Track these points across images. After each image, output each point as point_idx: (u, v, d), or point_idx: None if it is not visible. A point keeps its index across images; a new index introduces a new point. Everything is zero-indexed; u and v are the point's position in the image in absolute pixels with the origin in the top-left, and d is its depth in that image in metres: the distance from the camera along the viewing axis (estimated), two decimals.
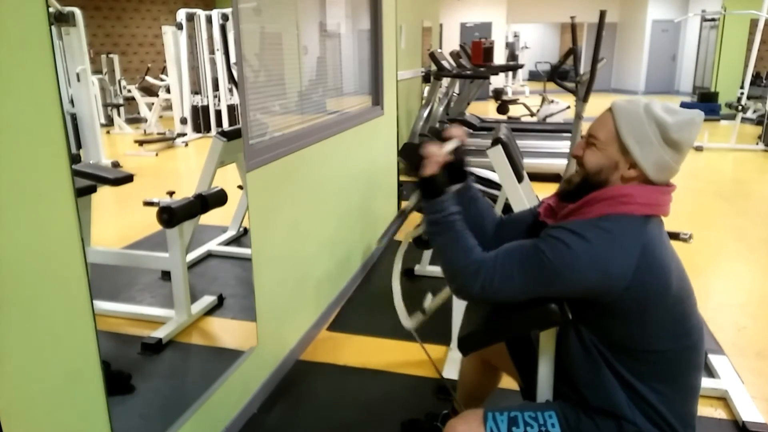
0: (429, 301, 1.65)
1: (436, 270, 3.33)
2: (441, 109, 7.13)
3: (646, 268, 1.16)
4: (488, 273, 1.24)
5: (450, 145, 1.46)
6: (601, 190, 1.24)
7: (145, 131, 4.28)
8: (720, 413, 2.23)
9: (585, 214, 1.24)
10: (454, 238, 1.32)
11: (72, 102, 2.44)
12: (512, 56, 15.33)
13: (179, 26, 3.71)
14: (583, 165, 1.29)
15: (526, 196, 2.63)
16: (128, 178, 2.47)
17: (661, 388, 1.22)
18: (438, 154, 1.39)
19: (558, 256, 1.18)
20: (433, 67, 6.72)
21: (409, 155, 1.42)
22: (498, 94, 11.19)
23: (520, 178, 2.68)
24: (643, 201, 1.22)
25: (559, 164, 5.57)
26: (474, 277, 1.25)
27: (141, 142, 4.07)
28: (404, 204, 1.48)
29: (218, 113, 4.14)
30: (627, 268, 1.15)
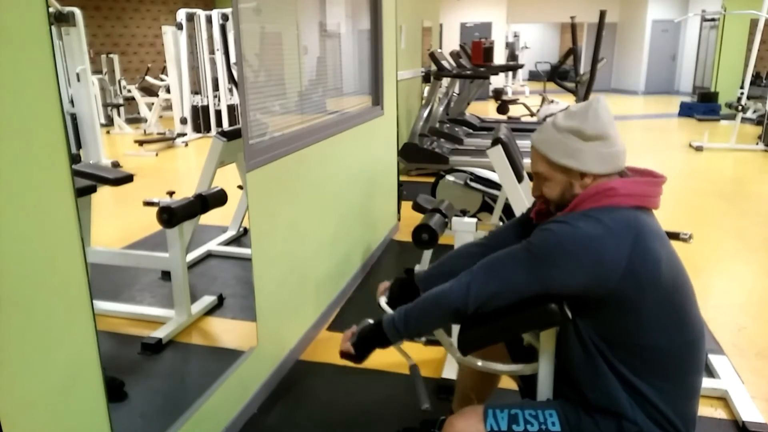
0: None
1: None
2: (441, 109, 7.13)
3: (638, 255, 1.17)
4: (478, 281, 1.26)
5: (382, 300, 1.57)
6: (583, 191, 1.27)
7: (145, 131, 4.28)
8: (720, 413, 2.23)
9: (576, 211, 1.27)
10: (423, 308, 1.34)
11: (72, 102, 2.44)
12: (512, 56, 15.33)
13: (179, 26, 3.71)
14: (547, 198, 1.35)
15: (525, 196, 2.63)
16: (128, 178, 2.47)
17: (661, 386, 1.22)
18: (343, 341, 1.44)
19: (547, 244, 1.20)
20: (433, 67, 6.72)
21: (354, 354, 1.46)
22: (498, 94, 11.20)
23: (520, 178, 2.69)
24: (628, 192, 1.24)
25: None
26: (466, 295, 1.27)
27: (141, 142, 4.07)
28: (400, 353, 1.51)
29: (218, 113, 4.14)
30: (620, 254, 1.16)
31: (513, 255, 1.25)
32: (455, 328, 2.49)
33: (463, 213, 2.41)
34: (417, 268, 3.51)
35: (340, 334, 2.96)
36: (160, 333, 2.43)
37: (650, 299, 1.19)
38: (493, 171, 2.78)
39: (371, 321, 1.43)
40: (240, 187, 2.33)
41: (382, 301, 1.59)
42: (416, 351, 2.65)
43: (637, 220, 1.21)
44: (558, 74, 6.18)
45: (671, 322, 1.22)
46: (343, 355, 1.43)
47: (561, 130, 1.29)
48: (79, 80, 2.39)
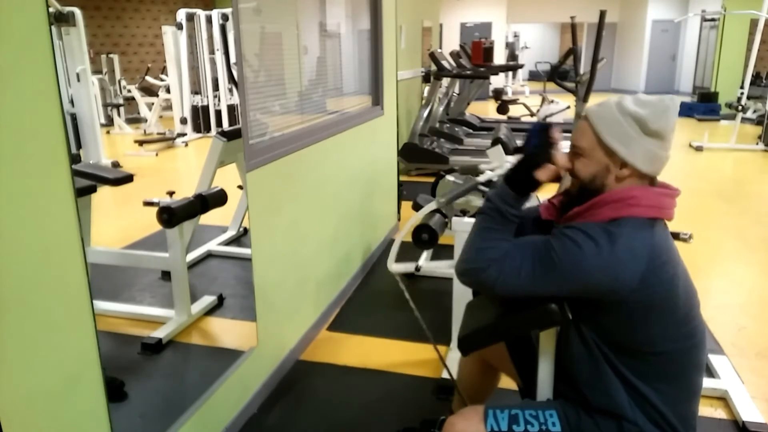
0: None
1: (435, 269, 3.33)
2: (441, 109, 7.13)
3: (653, 273, 1.17)
4: (501, 264, 1.24)
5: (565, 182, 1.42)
6: (606, 193, 1.25)
7: (145, 131, 4.28)
8: (720, 413, 2.23)
9: (593, 216, 1.25)
10: (499, 230, 1.30)
11: (72, 102, 2.44)
12: (512, 56, 15.32)
13: (179, 26, 3.71)
14: (576, 176, 1.30)
15: None
16: (128, 178, 2.47)
17: (662, 388, 1.22)
18: (561, 167, 1.31)
19: (568, 255, 1.19)
20: (433, 67, 6.72)
21: (540, 141, 1.33)
22: (498, 94, 11.19)
23: None
24: (649, 203, 1.23)
25: None
26: (491, 263, 1.25)
27: (141, 142, 4.07)
28: (484, 173, 1.41)
29: (218, 113, 4.15)
30: (635, 272, 1.16)
31: (536, 256, 1.23)
32: (455, 329, 2.49)
33: (463, 213, 2.41)
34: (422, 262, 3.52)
35: (341, 335, 2.98)
36: (160, 333, 2.43)
37: (661, 312, 1.19)
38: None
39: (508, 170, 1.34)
40: (240, 187, 2.34)
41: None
42: (416, 351, 2.65)
43: (654, 239, 1.20)
44: (558, 74, 6.16)
45: (677, 329, 1.22)
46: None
47: (625, 112, 1.23)
48: (79, 80, 2.39)
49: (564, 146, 1.34)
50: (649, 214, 1.23)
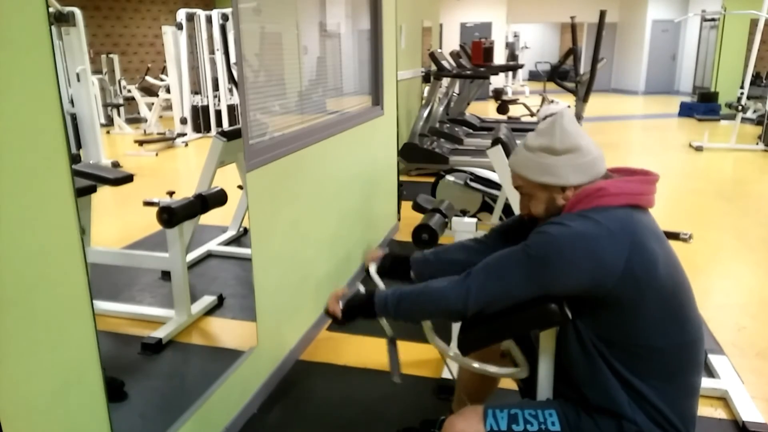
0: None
1: None
2: (441, 109, 7.13)
3: (636, 257, 1.17)
4: (477, 284, 1.26)
5: (372, 267, 1.60)
6: (574, 196, 1.28)
7: (145, 131, 4.28)
8: (720, 413, 2.23)
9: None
10: (419, 299, 1.35)
11: (72, 102, 2.44)
12: (512, 56, 15.33)
13: (179, 26, 3.71)
14: (536, 215, 1.37)
15: None
16: (128, 178, 2.47)
17: (661, 386, 1.22)
18: (332, 299, 1.46)
19: (544, 245, 1.21)
20: (433, 67, 6.72)
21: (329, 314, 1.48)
22: (498, 94, 11.20)
23: None
24: (617, 191, 1.25)
25: None
26: (465, 298, 1.27)
27: (141, 142, 4.07)
28: (384, 327, 1.53)
29: (218, 113, 4.14)
30: (618, 256, 1.16)
31: (512, 258, 1.25)
32: (455, 329, 2.49)
33: (463, 213, 2.41)
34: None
35: (341, 335, 2.97)
36: (160, 333, 2.43)
37: (648, 299, 1.19)
38: (493, 171, 2.78)
39: (363, 289, 1.46)
40: (240, 187, 2.33)
41: (372, 268, 1.62)
42: (416, 351, 2.65)
43: (633, 219, 1.22)
44: (558, 74, 6.17)
45: (670, 322, 1.22)
46: (329, 315, 1.47)
47: (533, 149, 1.32)
48: (79, 80, 2.39)
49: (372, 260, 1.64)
50: (621, 201, 1.24)
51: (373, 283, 1.55)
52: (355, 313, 1.44)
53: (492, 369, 1.47)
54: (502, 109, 10.34)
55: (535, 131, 1.35)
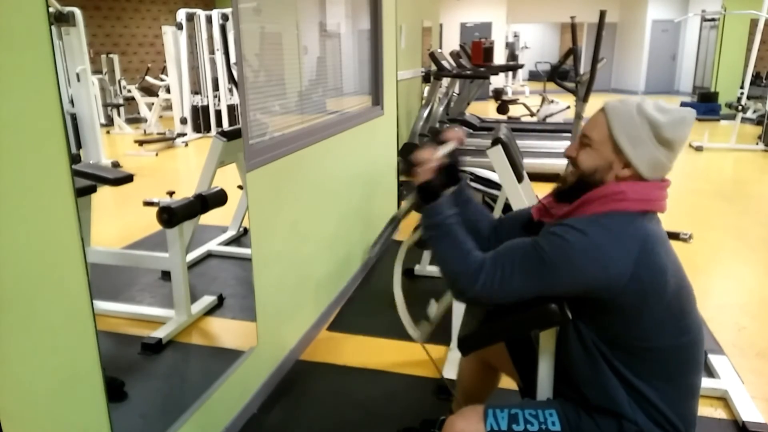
0: (433, 308, 1.64)
1: (436, 270, 3.33)
2: (441, 109, 7.13)
3: (644, 265, 1.17)
4: (488, 273, 1.24)
5: (446, 148, 1.46)
6: (594, 190, 1.25)
7: (145, 131, 4.28)
8: (720, 413, 2.23)
9: (581, 213, 1.26)
10: (452, 243, 1.32)
11: (72, 102, 2.44)
12: (512, 56, 15.32)
13: (179, 26, 3.71)
14: (578, 165, 1.30)
15: (526, 196, 2.63)
16: (128, 178, 2.47)
17: (661, 386, 1.22)
18: (431, 159, 1.38)
19: (556, 250, 1.19)
20: (433, 67, 6.72)
21: (405, 160, 1.39)
22: (498, 94, 11.19)
23: (520, 178, 2.68)
24: (637, 197, 1.23)
25: (560, 164, 5.57)
26: (474, 279, 1.25)
27: (141, 142, 4.07)
28: (401, 205, 1.48)
29: (218, 113, 4.15)
30: (626, 265, 1.16)
31: (525, 257, 1.23)
32: (455, 329, 2.49)
33: None
34: (417, 268, 3.52)
35: (341, 335, 2.97)
36: (160, 333, 2.43)
37: (652, 305, 1.19)
38: (493, 171, 2.77)
39: (438, 183, 1.38)
40: (240, 187, 2.33)
41: (448, 148, 1.47)
42: (416, 351, 2.65)
43: (645, 229, 1.20)
44: (558, 74, 6.16)
45: (672, 324, 1.22)
46: (416, 164, 1.37)
47: (643, 115, 1.22)
48: (79, 80, 2.39)
49: (454, 140, 1.48)
50: (638, 207, 1.23)
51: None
52: (423, 194, 1.36)
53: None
54: (502, 109, 10.34)
55: (659, 104, 1.24)
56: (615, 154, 1.24)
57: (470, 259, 1.28)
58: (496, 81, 13.90)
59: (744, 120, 9.31)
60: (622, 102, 1.25)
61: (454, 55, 7.71)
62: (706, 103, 11.00)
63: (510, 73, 14.74)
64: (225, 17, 3.32)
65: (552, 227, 1.24)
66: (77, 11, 2.30)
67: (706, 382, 2.27)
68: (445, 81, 7.31)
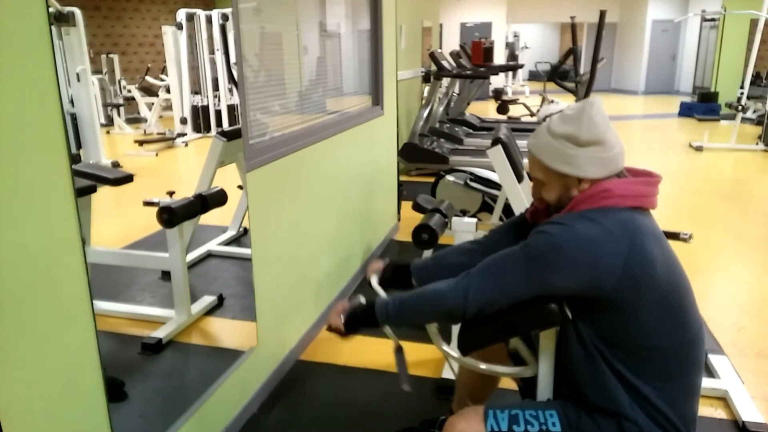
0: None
1: None
2: (441, 109, 7.13)
3: (635, 258, 1.17)
4: (474, 283, 1.26)
5: (373, 279, 1.61)
6: (581, 193, 1.28)
7: (145, 131, 4.28)
8: (720, 413, 2.23)
9: (572, 212, 1.28)
10: (418, 302, 1.36)
11: (72, 102, 2.44)
12: (512, 56, 15.33)
13: (179, 26, 3.71)
14: (545, 201, 1.35)
15: (525, 196, 2.63)
16: (128, 178, 2.47)
17: (661, 386, 1.22)
18: (334, 314, 1.48)
19: (543, 244, 1.21)
20: (433, 67, 6.72)
21: (328, 327, 1.54)
22: (498, 94, 11.20)
23: (520, 178, 2.69)
24: (623, 193, 1.24)
25: None
26: (462, 295, 1.27)
27: (141, 142, 4.07)
28: (392, 339, 1.55)
29: (218, 113, 4.14)
30: (617, 257, 1.16)
31: (511, 258, 1.25)
32: (455, 329, 2.49)
33: (463, 213, 2.41)
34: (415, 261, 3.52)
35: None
36: (160, 333, 2.43)
37: (648, 300, 1.19)
38: (493, 171, 2.78)
39: (363, 300, 1.46)
40: (240, 187, 2.33)
41: (374, 280, 1.62)
42: (416, 351, 2.64)
43: (634, 221, 1.22)
44: (558, 74, 6.18)
45: (670, 322, 1.22)
46: (331, 329, 1.47)
47: (556, 136, 1.28)
48: (79, 80, 2.39)
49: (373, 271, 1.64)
50: (625, 203, 1.24)
51: (376, 295, 1.56)
52: (357, 324, 1.44)
53: (500, 369, 1.46)
54: (502, 109, 10.34)
55: (561, 117, 1.30)
56: (563, 179, 1.29)
57: (445, 288, 1.30)
58: (496, 81, 13.91)
59: (744, 120, 9.32)
60: (536, 135, 1.34)
61: (454, 55, 7.71)
62: (706, 103, 11.00)
63: (510, 73, 14.76)
64: (225, 17, 3.32)
65: (541, 226, 1.26)
66: (77, 11, 2.30)
67: (706, 382, 2.27)
68: (445, 81, 7.31)
